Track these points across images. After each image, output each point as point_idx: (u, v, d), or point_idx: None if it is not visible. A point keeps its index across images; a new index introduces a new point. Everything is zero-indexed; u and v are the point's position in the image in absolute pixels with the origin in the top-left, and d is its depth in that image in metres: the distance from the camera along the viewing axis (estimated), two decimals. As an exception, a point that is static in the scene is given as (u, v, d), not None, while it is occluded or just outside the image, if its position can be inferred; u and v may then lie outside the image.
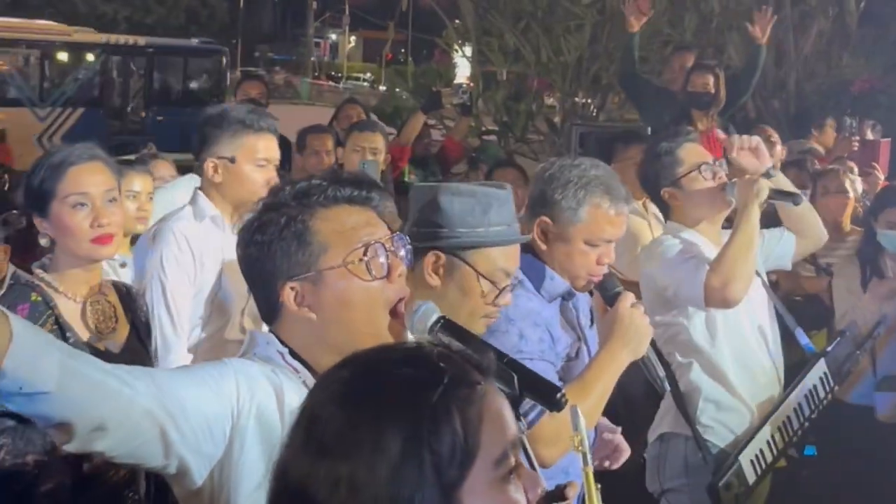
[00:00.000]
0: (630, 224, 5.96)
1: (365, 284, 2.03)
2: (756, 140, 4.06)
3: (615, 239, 3.10)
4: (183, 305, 3.68)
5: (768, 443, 4.02)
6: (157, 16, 54.42)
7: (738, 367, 4.08)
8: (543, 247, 3.08)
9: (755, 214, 3.88)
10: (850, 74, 10.74)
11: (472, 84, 11.58)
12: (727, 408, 4.08)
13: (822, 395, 4.15)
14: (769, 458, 4.03)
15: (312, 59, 55.89)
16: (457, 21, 12.60)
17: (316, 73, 55.84)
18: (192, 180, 4.42)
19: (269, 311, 2.10)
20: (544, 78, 11.21)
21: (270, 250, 2.05)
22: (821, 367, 4.18)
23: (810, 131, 8.26)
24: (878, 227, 5.19)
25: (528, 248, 3.04)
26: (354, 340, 1.98)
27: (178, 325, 3.67)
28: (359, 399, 1.37)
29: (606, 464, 3.19)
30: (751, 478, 3.98)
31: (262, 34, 63.58)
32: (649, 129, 7.29)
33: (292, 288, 2.04)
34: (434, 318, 2.18)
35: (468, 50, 12.38)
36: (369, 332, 2.02)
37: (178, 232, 3.71)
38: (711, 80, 7.47)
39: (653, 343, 2.98)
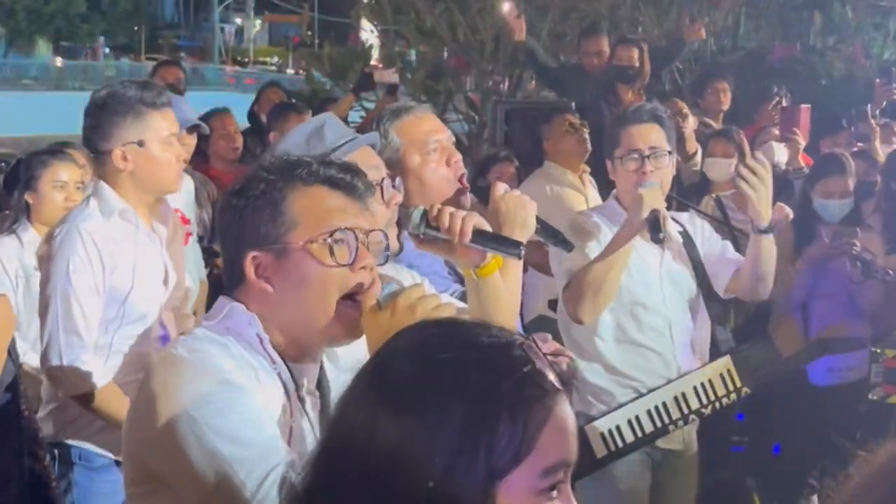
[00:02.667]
0: (564, 197, 6.04)
1: (324, 268, 2.02)
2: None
3: (444, 142, 3.07)
4: (92, 316, 3.52)
5: (630, 422, 4.02)
6: (57, 4, 53.32)
7: (625, 348, 4.13)
8: (401, 194, 2.98)
9: (627, 235, 3.88)
10: (764, 45, 10.85)
11: (380, 65, 11.46)
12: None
13: (720, 392, 4.14)
14: (628, 438, 4.04)
15: (218, 45, 55.20)
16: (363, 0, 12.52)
17: (222, 59, 55.17)
18: None
19: (232, 277, 2.09)
20: (462, 56, 11.13)
21: (243, 216, 2.05)
22: (723, 364, 4.18)
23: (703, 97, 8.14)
24: (814, 195, 5.24)
25: None
26: (303, 321, 2.03)
27: (86, 338, 3.50)
28: (437, 361, 1.35)
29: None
30: (598, 452, 4.01)
31: (165, 21, 62.62)
32: (573, 104, 7.28)
33: (255, 257, 2.03)
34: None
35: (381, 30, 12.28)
36: (319, 315, 2.02)
37: (86, 233, 3.52)
38: (636, 53, 7.51)
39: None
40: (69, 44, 56.16)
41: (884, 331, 5.22)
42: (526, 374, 1.35)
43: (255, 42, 61.87)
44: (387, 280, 2.17)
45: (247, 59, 57.41)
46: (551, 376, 1.38)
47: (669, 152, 4.03)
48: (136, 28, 56.67)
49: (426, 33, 11.41)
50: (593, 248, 4.02)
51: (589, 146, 6.12)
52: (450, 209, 2.57)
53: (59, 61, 51.49)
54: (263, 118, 7.29)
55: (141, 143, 3.58)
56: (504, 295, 2.59)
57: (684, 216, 4.42)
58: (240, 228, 2.06)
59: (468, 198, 3.08)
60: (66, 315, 3.47)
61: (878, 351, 4.99)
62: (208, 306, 3.17)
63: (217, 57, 54.62)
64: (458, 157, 3.11)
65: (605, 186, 6.27)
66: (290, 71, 41.26)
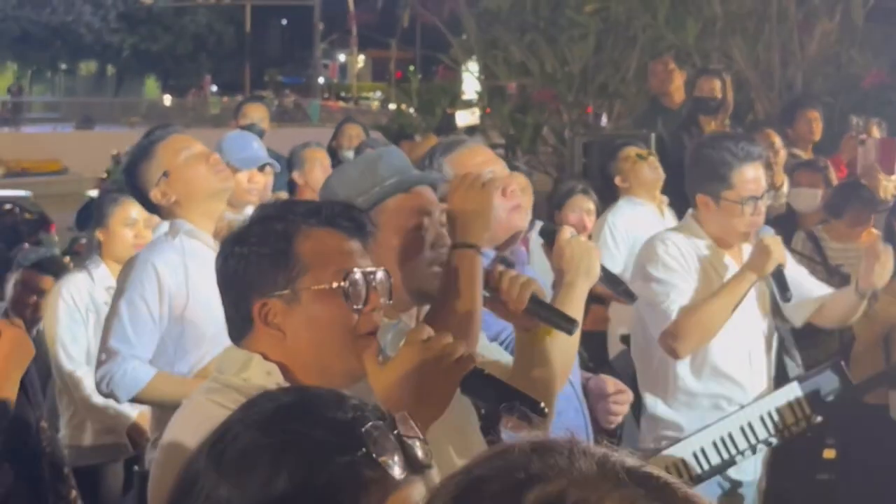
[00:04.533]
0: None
1: (340, 311, 2.02)
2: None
3: (498, 174, 3.02)
4: (144, 333, 3.70)
5: (695, 454, 3.93)
6: (164, 43, 54.69)
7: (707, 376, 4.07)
8: None
9: (747, 283, 3.85)
10: (858, 72, 10.62)
11: (477, 99, 11.52)
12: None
13: (789, 420, 4.04)
14: (694, 470, 3.96)
15: (321, 80, 56.03)
16: (463, 36, 12.57)
17: (325, 95, 55.95)
18: None
19: (239, 326, 2.08)
20: (550, 89, 11.12)
21: (248, 262, 2.03)
22: (791, 392, 4.07)
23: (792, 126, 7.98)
24: (897, 228, 5.13)
25: None
26: (321, 365, 2.02)
27: (136, 346, 3.67)
28: (274, 432, 1.30)
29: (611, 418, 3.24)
30: None
31: (269, 57, 63.78)
32: (653, 135, 7.22)
33: (264, 304, 2.02)
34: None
35: (473, 66, 12.32)
36: (337, 359, 2.03)
37: (152, 261, 3.72)
38: (718, 84, 7.43)
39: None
40: (177, 82, 57.54)
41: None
42: (361, 456, 1.29)
43: (358, 78, 62.66)
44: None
45: (350, 95, 58.11)
46: (394, 462, 1.30)
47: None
48: (241, 66, 57.80)
49: (515, 67, 11.44)
50: (700, 281, 4.00)
51: (662, 173, 6.04)
52: (511, 273, 2.54)
53: (167, 99, 52.80)
54: (342, 153, 7.37)
55: (166, 174, 3.75)
56: (553, 358, 2.56)
57: None
58: (245, 275, 2.04)
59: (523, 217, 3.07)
60: (114, 330, 3.60)
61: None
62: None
63: (321, 93, 55.39)
64: (514, 186, 3.11)
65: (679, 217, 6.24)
66: (392, 106, 41.64)
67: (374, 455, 1.29)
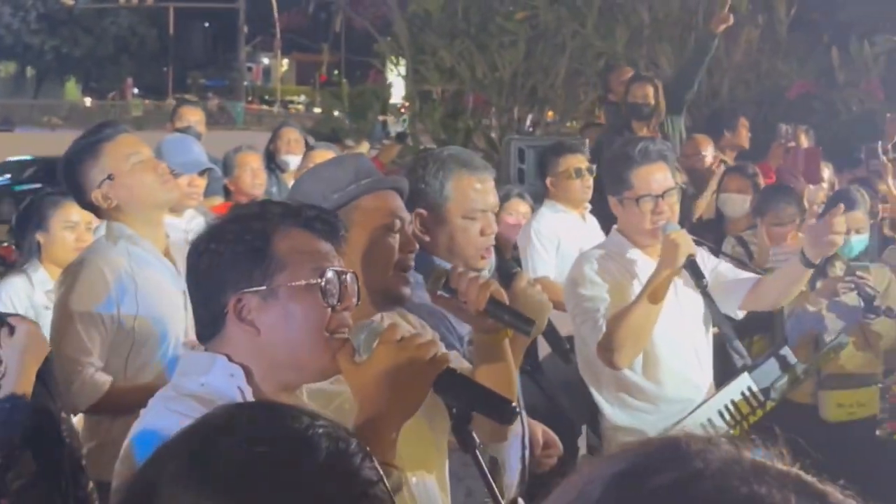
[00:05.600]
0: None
1: (315, 308, 2.05)
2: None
3: (490, 208, 3.14)
4: (97, 341, 3.68)
5: None
6: (85, 45, 53.90)
7: (654, 373, 4.12)
8: (427, 238, 3.08)
9: (664, 281, 3.91)
10: (783, 81, 10.86)
11: (406, 104, 11.57)
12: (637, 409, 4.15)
13: (745, 411, 4.10)
14: None
15: (245, 83, 55.63)
16: (388, 38, 12.62)
17: (249, 98, 55.57)
18: None
19: (209, 324, 2.09)
20: (480, 94, 11.22)
21: (224, 260, 2.05)
22: (744, 382, 4.13)
23: (722, 133, 8.19)
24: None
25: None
26: (293, 360, 2.06)
27: (92, 356, 3.66)
28: (270, 456, 1.29)
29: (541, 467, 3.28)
30: None
31: (192, 60, 63.15)
32: (586, 141, 7.30)
33: (240, 299, 2.04)
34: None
35: (403, 69, 12.37)
36: (310, 355, 2.05)
37: (97, 265, 3.67)
38: (651, 90, 7.53)
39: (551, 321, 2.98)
40: (98, 85, 56.74)
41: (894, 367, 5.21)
42: (367, 487, 1.31)
43: (282, 81, 62.28)
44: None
45: (274, 98, 57.77)
46: (387, 487, 1.34)
47: (677, 188, 4.10)
48: (163, 68, 57.17)
49: (445, 72, 11.51)
50: (630, 294, 4.04)
51: (589, 194, 6.13)
52: (471, 274, 2.58)
53: (87, 102, 52.03)
54: (279, 157, 7.36)
55: (111, 178, 3.69)
56: (511, 360, 2.61)
57: None
58: (220, 271, 2.06)
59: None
60: (70, 337, 3.56)
61: (885, 387, 4.96)
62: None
63: (245, 96, 54.97)
64: (495, 229, 3.16)
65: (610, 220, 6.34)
66: (317, 109, 41.50)
67: (376, 489, 1.32)
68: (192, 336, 3.70)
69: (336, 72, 51.93)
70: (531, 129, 11.66)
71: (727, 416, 4.09)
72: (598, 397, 4.21)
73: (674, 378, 4.15)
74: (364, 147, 7.75)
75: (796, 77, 10.70)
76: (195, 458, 1.31)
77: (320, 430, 1.32)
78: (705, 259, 4.31)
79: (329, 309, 2.06)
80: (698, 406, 4.11)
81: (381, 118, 8.73)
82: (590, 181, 6.09)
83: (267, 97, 58.71)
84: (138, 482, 1.34)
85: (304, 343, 2.05)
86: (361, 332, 2.08)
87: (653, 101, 7.60)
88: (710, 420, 4.06)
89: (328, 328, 2.06)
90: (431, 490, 2.57)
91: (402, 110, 11.53)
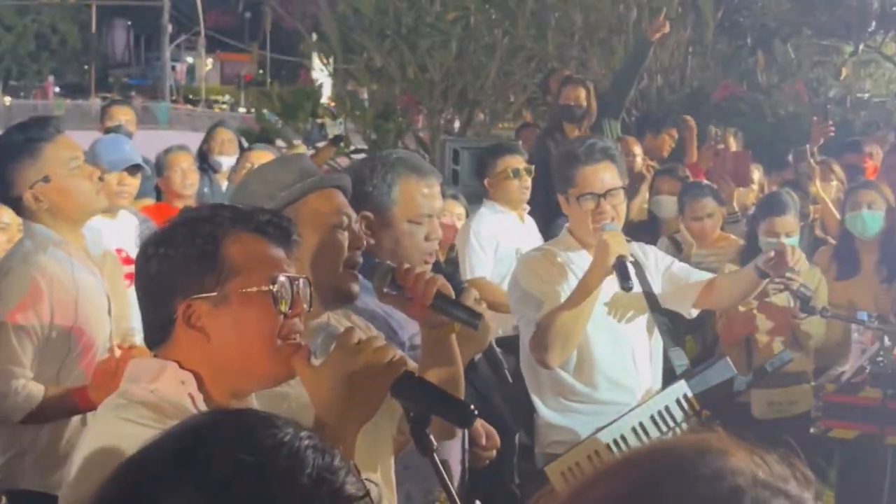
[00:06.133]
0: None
1: (267, 314, 2.02)
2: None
3: (435, 213, 3.17)
4: (28, 350, 3.56)
5: (589, 458, 3.96)
6: (5, 43, 52.95)
7: (588, 374, 4.14)
8: (372, 241, 3.07)
9: (595, 281, 3.91)
10: (709, 84, 11.01)
11: (332, 103, 11.52)
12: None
13: (679, 417, 4.10)
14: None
15: (169, 83, 55.04)
16: (314, 35, 12.57)
17: (174, 98, 54.97)
18: None
19: (157, 330, 2.06)
20: (411, 95, 11.22)
21: (174, 264, 2.02)
22: (679, 389, 4.13)
23: (657, 136, 8.25)
24: (760, 233, 5.32)
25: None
26: (244, 367, 2.03)
27: (24, 366, 3.54)
28: (264, 463, 1.28)
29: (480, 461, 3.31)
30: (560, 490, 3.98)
31: (115, 59, 62.32)
32: (520, 142, 7.35)
33: (190, 306, 2.01)
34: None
35: (332, 69, 12.33)
36: (262, 361, 2.03)
37: (23, 270, 3.56)
38: (583, 93, 7.58)
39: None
40: (18, 83, 55.75)
41: (826, 365, 5.30)
42: (343, 491, 1.30)
43: (206, 81, 61.70)
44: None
45: (198, 98, 57.21)
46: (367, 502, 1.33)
47: (623, 188, 4.08)
48: (85, 67, 56.37)
49: (376, 72, 11.50)
50: (561, 293, 4.04)
51: (528, 195, 6.16)
52: (418, 270, 2.59)
53: (7, 101, 51.07)
54: (212, 157, 7.30)
55: (47, 179, 3.59)
56: (458, 356, 2.61)
57: (634, 246, 4.44)
58: (169, 277, 2.03)
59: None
60: (1, 348, 3.47)
61: (819, 385, 5.05)
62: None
63: (169, 96, 54.37)
64: (440, 234, 3.17)
65: (546, 221, 6.39)
66: (242, 109, 41.19)
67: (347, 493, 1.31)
68: (116, 341, 3.67)
69: (261, 71, 51.57)
70: (462, 130, 11.68)
71: (660, 422, 4.12)
72: (535, 395, 4.23)
73: (608, 381, 4.17)
74: (300, 149, 7.70)
75: (722, 80, 10.85)
76: (182, 460, 1.29)
77: (307, 443, 1.31)
78: (658, 260, 4.33)
79: (281, 315, 2.04)
80: (631, 409, 4.13)
81: (318, 120, 8.68)
82: (527, 182, 6.11)
83: (191, 97, 58.13)
84: (120, 483, 1.31)
85: (255, 350, 2.03)
86: (318, 336, 2.07)
87: (585, 104, 7.66)
88: (641, 424, 4.09)
89: (280, 335, 2.04)
90: (378, 490, 2.56)
91: (331, 108, 11.47)
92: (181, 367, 2.03)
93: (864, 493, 4.95)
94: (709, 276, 4.33)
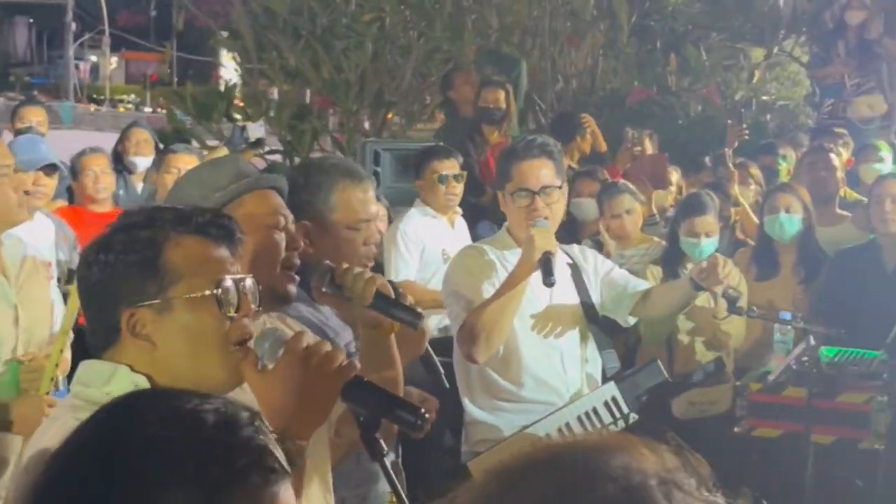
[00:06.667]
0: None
1: (213, 319, 1.99)
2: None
3: (372, 217, 3.17)
4: None
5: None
6: None
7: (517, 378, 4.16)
8: (311, 250, 3.04)
9: (521, 276, 3.94)
10: (623, 87, 11.13)
11: (241, 103, 11.38)
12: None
13: (606, 419, 4.16)
14: None
15: (73, 82, 54.06)
16: (222, 33, 12.40)
17: (78, 97, 53.99)
18: None
19: (103, 337, 2.02)
20: (327, 96, 11.15)
21: (115, 271, 1.97)
22: (609, 391, 4.19)
23: (573, 139, 8.34)
24: (681, 234, 5.39)
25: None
26: (193, 374, 1.97)
27: None
28: (165, 438, 1.28)
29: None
30: None
31: (17, 57, 60.98)
32: (441, 144, 7.33)
33: (133, 314, 1.97)
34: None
35: (244, 68, 12.19)
36: (210, 368, 1.99)
37: None
38: (502, 95, 7.61)
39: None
40: (-84, 81, 54.40)
41: (749, 365, 5.37)
42: (257, 456, 1.29)
43: (111, 80, 60.70)
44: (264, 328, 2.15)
45: (103, 97, 56.26)
46: (280, 457, 1.32)
47: (559, 186, 4.07)
48: (-15, 65, 55.08)
49: (290, 73, 11.39)
50: (487, 289, 4.05)
51: (457, 200, 6.16)
52: (357, 270, 2.56)
53: None
54: (127, 158, 7.18)
55: None
56: (398, 356, 2.59)
57: (575, 248, 4.47)
58: (111, 284, 1.98)
59: None
60: None
61: (743, 385, 5.11)
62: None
63: (73, 95, 53.39)
64: (377, 238, 3.15)
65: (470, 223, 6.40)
66: (148, 109, 40.55)
67: (268, 453, 1.30)
68: (20, 352, 3.58)
69: (168, 71, 50.82)
70: (377, 132, 11.63)
71: (587, 423, 4.14)
72: (464, 394, 4.23)
73: (535, 380, 4.19)
74: (222, 152, 7.60)
75: (636, 83, 10.97)
76: (93, 452, 1.29)
77: (208, 407, 1.30)
78: (598, 265, 4.36)
79: (227, 319, 2.00)
80: (558, 409, 4.16)
81: (240, 123, 8.57)
82: (456, 188, 6.10)
83: (95, 96, 57.12)
84: (40, 486, 1.29)
85: (202, 356, 1.99)
86: (265, 341, 2.03)
87: (504, 106, 7.69)
88: (568, 425, 4.11)
89: (229, 338, 2.00)
90: (315, 493, 2.54)
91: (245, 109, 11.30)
92: (132, 370, 1.98)
93: (786, 491, 5.03)
94: (646, 285, 4.38)
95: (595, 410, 4.16)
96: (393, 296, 2.60)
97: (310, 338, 2.05)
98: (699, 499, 1.07)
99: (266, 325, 2.60)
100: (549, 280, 3.89)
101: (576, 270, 4.28)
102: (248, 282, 2.06)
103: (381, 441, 2.07)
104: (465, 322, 3.96)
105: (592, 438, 1.13)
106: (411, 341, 2.79)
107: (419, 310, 2.69)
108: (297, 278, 2.66)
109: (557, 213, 4.11)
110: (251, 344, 2.03)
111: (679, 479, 1.08)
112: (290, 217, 2.66)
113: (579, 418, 4.13)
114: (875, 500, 4.99)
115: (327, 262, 2.67)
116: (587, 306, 4.25)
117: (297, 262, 2.62)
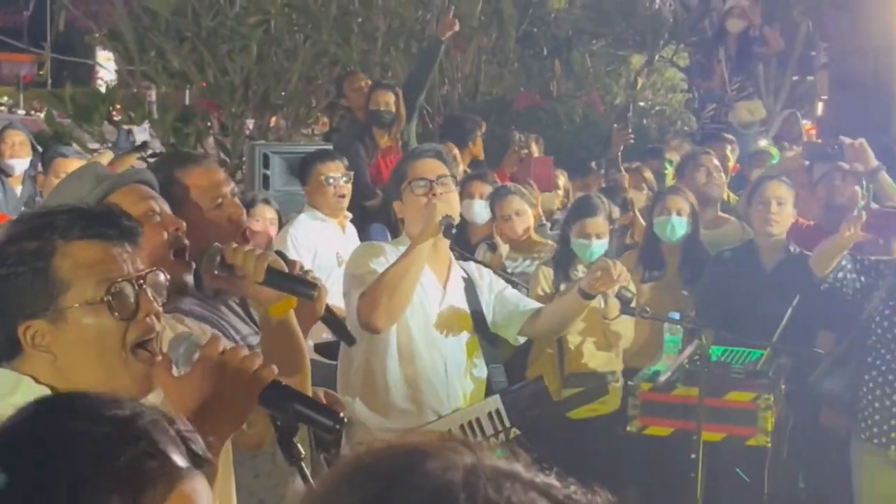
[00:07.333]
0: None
1: (110, 325, 1.94)
2: None
3: (228, 195, 3.11)
4: None
5: None
6: None
7: (402, 383, 4.20)
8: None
9: (419, 248, 4.02)
10: (509, 92, 11.22)
11: (119, 105, 11.17)
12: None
13: (488, 431, 4.22)
14: None
15: (-59, 83, 52.44)
16: (96, 35, 12.14)
17: (-55, 98, 52.38)
18: None
19: (6, 349, 1.97)
20: (211, 98, 11.00)
21: (7, 285, 1.93)
22: (493, 404, 4.25)
23: (466, 143, 8.41)
24: (572, 236, 5.45)
25: None
26: (96, 383, 1.91)
27: None
28: (53, 431, 1.30)
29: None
30: None
31: None
32: (331, 146, 7.30)
33: (28, 327, 1.92)
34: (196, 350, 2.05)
35: (125, 70, 11.96)
36: (112, 374, 1.95)
37: None
38: (392, 98, 7.60)
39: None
40: None
41: (639, 365, 5.45)
42: (143, 451, 1.29)
43: (-20, 81, 59.08)
44: (178, 330, 2.11)
45: (-27, 99, 54.67)
46: (176, 453, 1.32)
47: (453, 176, 4.22)
48: None
49: (174, 75, 11.22)
50: (381, 263, 4.09)
51: (346, 202, 6.13)
52: (246, 248, 2.54)
53: None
54: (3, 161, 7.01)
55: None
56: (297, 337, 2.56)
57: (472, 265, 4.60)
58: (6, 298, 1.94)
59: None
60: None
61: (634, 385, 5.19)
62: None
63: (-59, 96, 51.77)
64: (241, 212, 3.11)
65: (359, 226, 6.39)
66: (21, 111, 39.54)
67: (157, 445, 1.30)
68: None
69: (41, 72, 49.66)
70: (262, 135, 11.51)
71: (469, 433, 4.18)
72: (346, 395, 4.23)
73: (419, 385, 4.22)
74: (107, 157, 7.44)
75: (522, 88, 11.08)
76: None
77: (140, 412, 1.33)
78: (493, 283, 4.44)
79: (125, 322, 1.95)
80: (441, 417, 4.19)
81: (125, 127, 8.40)
82: (344, 189, 6.07)
83: (-35, 97, 55.51)
84: None
85: (102, 364, 1.95)
86: (180, 346, 1.98)
87: (394, 109, 7.68)
88: (450, 432, 4.14)
89: (129, 341, 1.96)
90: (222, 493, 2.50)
91: (115, 113, 11.06)
92: (37, 381, 1.93)
93: (676, 488, 5.12)
94: (537, 305, 4.44)
95: (478, 421, 4.22)
96: (285, 270, 2.58)
97: (225, 342, 2.01)
98: (519, 490, 1.09)
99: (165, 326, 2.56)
100: (448, 233, 3.99)
101: (470, 284, 4.38)
102: (151, 276, 2.02)
103: (299, 445, 2.04)
104: (366, 290, 3.99)
105: (415, 441, 1.15)
106: (309, 309, 2.76)
107: (314, 278, 2.67)
108: (193, 265, 2.63)
109: (454, 203, 4.19)
110: (164, 348, 1.99)
111: (496, 474, 1.10)
112: (165, 204, 2.65)
113: (462, 427, 4.18)
114: (762, 496, 5.12)
115: (216, 244, 2.64)
116: (478, 319, 4.32)
117: (186, 243, 2.60)
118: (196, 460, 1.34)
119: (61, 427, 1.29)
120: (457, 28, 8.37)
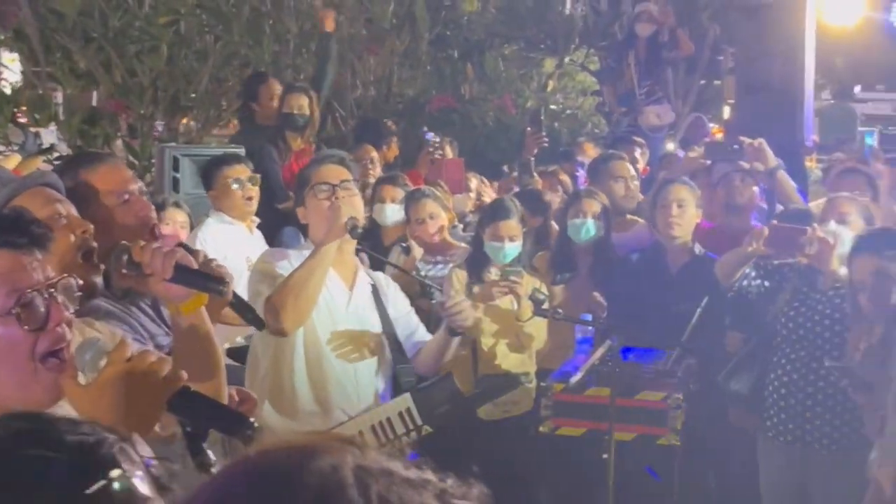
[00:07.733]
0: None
1: (18, 336, 1.91)
2: None
3: (134, 193, 3.11)
4: None
5: None
6: None
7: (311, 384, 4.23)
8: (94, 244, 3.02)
9: (327, 248, 4.05)
10: (422, 95, 11.23)
11: (24, 107, 10.94)
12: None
13: (399, 430, 4.25)
14: None
15: None
16: (0, 36, 11.88)
17: None
18: None
19: None
20: (119, 100, 10.82)
21: None
22: (404, 403, 4.28)
23: (381, 146, 8.43)
24: (485, 238, 5.47)
25: None
26: (7, 395, 1.89)
27: None
28: (20, 459, 1.25)
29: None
30: None
31: None
32: (243, 150, 7.23)
33: None
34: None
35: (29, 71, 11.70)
36: (23, 387, 1.92)
37: None
38: (306, 101, 7.55)
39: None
40: None
41: (551, 366, 5.49)
42: (110, 481, 1.26)
43: None
44: (87, 336, 2.08)
45: None
46: (141, 482, 1.30)
47: (357, 180, 4.33)
48: None
49: (81, 76, 11.02)
50: (286, 267, 4.10)
51: (254, 205, 6.09)
52: (154, 245, 2.51)
53: None
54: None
55: None
56: (210, 336, 2.54)
57: (380, 276, 4.64)
58: None
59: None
60: None
61: (547, 385, 5.22)
62: None
63: None
64: (150, 210, 3.08)
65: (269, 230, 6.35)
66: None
67: (124, 475, 1.26)
68: None
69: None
70: (171, 137, 11.35)
71: (380, 433, 4.20)
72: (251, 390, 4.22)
73: (327, 388, 4.23)
74: (14, 160, 7.29)
75: (434, 91, 11.09)
76: None
77: (104, 438, 1.30)
78: (400, 301, 4.53)
79: (34, 333, 1.92)
80: (351, 418, 4.20)
81: (32, 129, 8.23)
82: (251, 192, 6.03)
83: None
84: None
85: (13, 377, 1.92)
86: (86, 352, 1.95)
87: (307, 112, 7.63)
88: (361, 433, 4.15)
89: (42, 352, 1.92)
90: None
91: (19, 115, 10.82)
92: None
93: (588, 487, 5.17)
94: (426, 339, 4.49)
95: (389, 421, 4.23)
96: (194, 266, 2.56)
97: (133, 348, 1.98)
98: (403, 487, 1.10)
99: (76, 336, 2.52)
100: (354, 233, 4.10)
101: (376, 291, 4.44)
102: (62, 283, 1.98)
103: (209, 452, 2.02)
104: (272, 294, 4.00)
105: (302, 441, 1.15)
106: (217, 300, 2.73)
107: (220, 271, 2.65)
108: (102, 267, 2.60)
109: (358, 207, 4.25)
110: (69, 354, 1.96)
111: (382, 471, 1.11)
112: (71, 206, 2.63)
113: (373, 428, 4.19)
114: (672, 495, 5.19)
115: (124, 242, 2.61)
116: (385, 320, 4.35)
117: (94, 245, 2.57)
118: (160, 488, 1.31)
119: (21, 455, 1.24)
120: (332, 24, 8.43)
